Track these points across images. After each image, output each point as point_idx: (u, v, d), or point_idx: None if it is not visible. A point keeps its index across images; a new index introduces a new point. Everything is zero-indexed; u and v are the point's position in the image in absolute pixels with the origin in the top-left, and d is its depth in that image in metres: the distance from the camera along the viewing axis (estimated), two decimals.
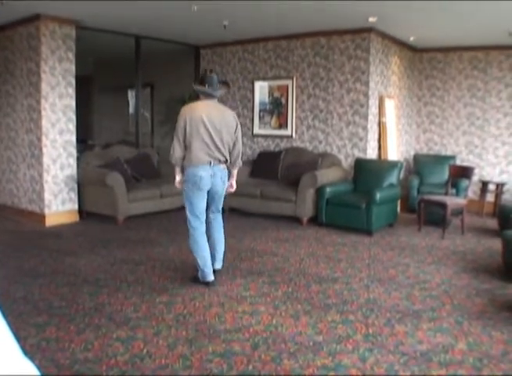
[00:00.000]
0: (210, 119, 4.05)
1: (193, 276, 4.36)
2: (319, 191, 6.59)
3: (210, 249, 4.36)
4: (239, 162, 4.41)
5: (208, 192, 4.19)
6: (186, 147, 4.10)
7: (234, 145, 4.26)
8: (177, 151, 4.11)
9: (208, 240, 4.35)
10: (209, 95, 4.19)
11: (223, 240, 4.49)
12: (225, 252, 4.56)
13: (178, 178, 4.32)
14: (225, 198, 4.52)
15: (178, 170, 4.28)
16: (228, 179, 4.38)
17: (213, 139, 4.06)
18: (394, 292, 4.12)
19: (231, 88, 6.87)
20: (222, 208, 4.52)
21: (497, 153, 8.10)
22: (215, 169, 4.12)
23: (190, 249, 4.28)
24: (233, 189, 4.53)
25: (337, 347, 3.07)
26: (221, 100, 4.39)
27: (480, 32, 6.95)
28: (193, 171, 4.08)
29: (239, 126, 4.29)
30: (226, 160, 4.22)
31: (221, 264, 4.50)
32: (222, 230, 4.49)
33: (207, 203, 4.30)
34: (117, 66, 9.94)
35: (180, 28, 7.27)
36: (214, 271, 4.42)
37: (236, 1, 5.56)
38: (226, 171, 4.28)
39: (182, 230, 5.60)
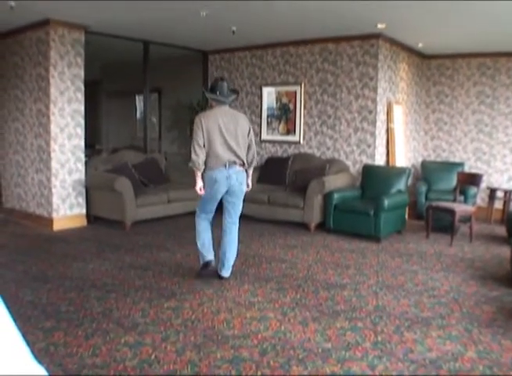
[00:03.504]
0: (225, 124, 4.23)
1: (196, 273, 4.56)
2: (327, 197, 6.57)
3: (220, 254, 4.49)
4: (255, 163, 4.55)
5: (225, 193, 4.32)
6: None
7: (249, 147, 4.42)
8: (199, 155, 4.19)
9: (220, 247, 4.51)
10: (221, 102, 4.32)
11: (235, 251, 4.53)
12: (234, 262, 4.58)
13: (200, 183, 4.31)
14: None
15: (199, 174, 4.30)
16: None
17: (229, 143, 4.22)
18: (403, 299, 4.09)
19: (239, 94, 6.90)
20: (239, 220, 4.59)
21: (505, 160, 8.06)
22: (231, 171, 4.25)
23: (195, 235, 4.53)
24: (249, 188, 4.58)
25: (346, 354, 3.05)
26: (230, 106, 4.49)
27: (488, 39, 6.94)
28: (210, 174, 4.24)
29: (251, 129, 4.46)
30: (243, 163, 4.36)
31: (229, 272, 4.54)
32: (236, 243, 4.53)
33: (225, 207, 4.46)
34: (124, 72, 10.00)
35: (188, 34, 7.30)
36: (222, 278, 4.50)
37: (244, 7, 5.58)
38: (244, 173, 4.40)
39: (189, 235, 5.61)
